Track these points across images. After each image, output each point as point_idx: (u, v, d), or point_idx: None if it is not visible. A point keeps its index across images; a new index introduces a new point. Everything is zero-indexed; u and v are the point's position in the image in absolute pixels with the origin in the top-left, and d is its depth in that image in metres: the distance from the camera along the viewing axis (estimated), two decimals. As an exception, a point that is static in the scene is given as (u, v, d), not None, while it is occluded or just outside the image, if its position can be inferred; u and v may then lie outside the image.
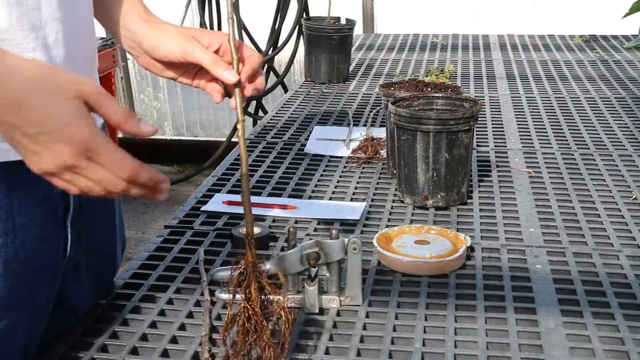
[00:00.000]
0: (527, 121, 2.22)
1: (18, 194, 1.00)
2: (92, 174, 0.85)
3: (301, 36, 3.41)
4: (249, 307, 0.96)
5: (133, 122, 0.88)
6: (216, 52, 1.10)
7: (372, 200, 1.64)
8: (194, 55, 1.08)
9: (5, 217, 0.99)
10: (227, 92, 1.08)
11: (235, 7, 3.91)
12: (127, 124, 0.87)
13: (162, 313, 1.18)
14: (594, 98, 2.46)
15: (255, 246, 0.97)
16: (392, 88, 1.80)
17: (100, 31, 3.88)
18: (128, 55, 4.45)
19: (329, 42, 2.64)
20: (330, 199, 1.66)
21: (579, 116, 2.26)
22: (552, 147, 1.98)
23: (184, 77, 1.15)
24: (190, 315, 1.17)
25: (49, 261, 1.07)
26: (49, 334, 1.11)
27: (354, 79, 2.77)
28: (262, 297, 0.97)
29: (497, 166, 1.85)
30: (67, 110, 0.83)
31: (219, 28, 3.98)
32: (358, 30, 3.63)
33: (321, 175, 1.80)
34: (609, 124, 2.18)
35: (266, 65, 4.11)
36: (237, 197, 1.65)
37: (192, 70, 1.15)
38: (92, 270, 1.18)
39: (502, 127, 2.16)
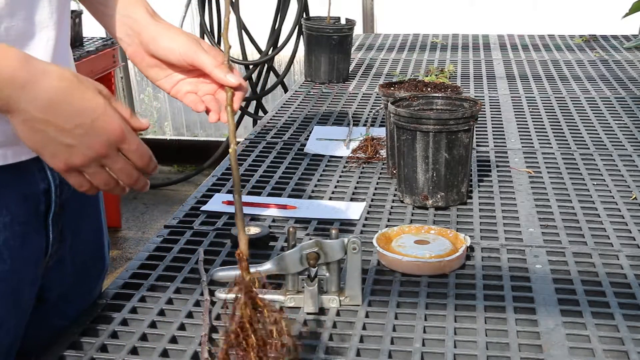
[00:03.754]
0: (527, 121, 2.22)
1: (1, 194, 1.00)
2: (117, 164, 0.90)
3: (301, 36, 3.40)
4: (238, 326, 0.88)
5: (135, 118, 0.94)
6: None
7: (372, 200, 1.64)
8: (196, 55, 1.07)
9: None
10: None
11: (235, 7, 3.91)
12: (132, 119, 0.93)
13: (162, 313, 1.18)
14: (594, 98, 2.46)
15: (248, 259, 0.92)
16: (392, 88, 1.80)
17: (100, 31, 3.88)
18: (128, 55, 4.44)
19: (329, 42, 2.64)
20: (330, 199, 1.66)
21: (579, 116, 2.26)
22: (552, 147, 1.98)
23: (166, 81, 1.12)
24: (190, 315, 1.17)
25: (31, 259, 1.07)
26: (43, 334, 1.12)
27: (354, 79, 2.77)
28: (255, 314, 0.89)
29: (497, 166, 1.85)
30: (98, 103, 0.89)
31: (219, 29, 3.98)
32: (358, 30, 3.63)
33: (321, 175, 1.80)
34: (609, 124, 2.18)
35: (266, 65, 4.11)
36: (237, 197, 1.65)
37: (176, 77, 1.12)
38: (80, 266, 1.19)
39: (502, 127, 2.16)
